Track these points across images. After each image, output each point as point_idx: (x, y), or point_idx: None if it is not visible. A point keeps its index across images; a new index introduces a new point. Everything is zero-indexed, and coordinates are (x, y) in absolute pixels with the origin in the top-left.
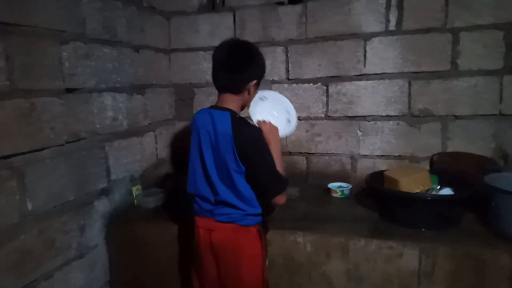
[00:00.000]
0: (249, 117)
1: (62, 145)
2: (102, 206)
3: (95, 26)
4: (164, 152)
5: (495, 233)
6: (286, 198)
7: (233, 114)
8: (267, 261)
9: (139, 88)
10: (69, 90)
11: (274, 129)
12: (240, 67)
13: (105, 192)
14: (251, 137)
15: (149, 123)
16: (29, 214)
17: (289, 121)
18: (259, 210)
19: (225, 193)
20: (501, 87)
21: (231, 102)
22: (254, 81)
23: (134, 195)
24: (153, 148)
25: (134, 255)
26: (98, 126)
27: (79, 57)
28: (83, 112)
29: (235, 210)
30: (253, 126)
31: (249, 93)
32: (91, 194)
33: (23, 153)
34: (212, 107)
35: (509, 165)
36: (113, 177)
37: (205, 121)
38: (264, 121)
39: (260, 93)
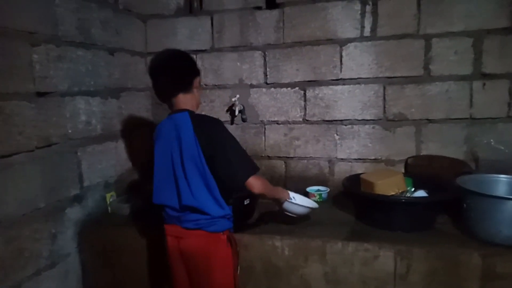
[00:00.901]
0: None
1: (33, 150)
2: (75, 213)
3: (69, 28)
4: (140, 157)
5: (467, 234)
6: (263, 185)
7: (191, 112)
8: (238, 268)
9: (114, 92)
10: (40, 94)
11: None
12: (181, 65)
13: (77, 198)
14: (212, 127)
15: (125, 127)
16: None
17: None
18: (227, 211)
19: (193, 199)
20: (471, 92)
21: (186, 102)
22: (198, 76)
23: (108, 201)
24: (128, 153)
25: (107, 263)
26: (70, 131)
27: (51, 59)
28: (54, 116)
29: (202, 216)
30: (211, 117)
31: (197, 89)
32: (63, 201)
33: None
34: (170, 113)
35: (480, 168)
36: (86, 183)
37: (169, 127)
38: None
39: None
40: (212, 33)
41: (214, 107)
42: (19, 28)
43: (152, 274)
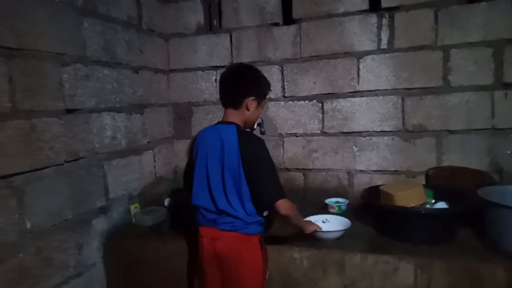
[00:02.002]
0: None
1: (62, 164)
2: (100, 224)
3: (95, 48)
4: (162, 170)
5: (490, 247)
6: (291, 208)
7: (238, 126)
8: (267, 272)
9: (138, 108)
10: (69, 111)
11: (315, 225)
12: (236, 83)
13: (103, 210)
14: (255, 146)
15: (148, 142)
16: (27, 233)
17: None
18: (260, 218)
19: (227, 204)
20: (492, 102)
21: (234, 116)
22: (252, 98)
23: (132, 213)
24: (151, 166)
25: (132, 273)
26: (97, 145)
27: (79, 78)
28: (82, 132)
29: (236, 220)
30: (257, 136)
31: (248, 109)
32: (89, 212)
33: (22, 173)
34: (218, 123)
35: (503, 179)
36: (111, 195)
37: (212, 136)
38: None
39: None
40: (231, 49)
41: None
42: (49, 50)
43: (177, 283)
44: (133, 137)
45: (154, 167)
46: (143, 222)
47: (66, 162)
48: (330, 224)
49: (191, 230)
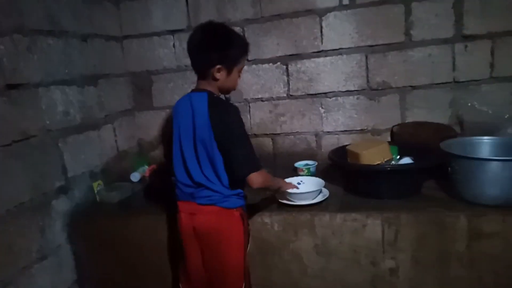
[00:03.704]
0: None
1: (10, 144)
2: (62, 205)
3: (36, 16)
4: (125, 144)
5: (454, 197)
6: (264, 182)
7: (210, 94)
8: (249, 246)
9: (91, 79)
10: (11, 86)
11: (291, 185)
12: (200, 50)
13: (63, 190)
14: (226, 113)
15: (106, 115)
16: None
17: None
18: (239, 191)
19: (203, 177)
20: (453, 55)
21: (206, 84)
22: (218, 66)
23: (96, 190)
24: (112, 140)
25: (101, 251)
26: (48, 122)
27: (20, 50)
28: (30, 109)
29: (214, 193)
30: (229, 103)
31: (215, 79)
32: (47, 193)
33: None
34: (192, 90)
35: (465, 131)
36: (70, 174)
37: (184, 106)
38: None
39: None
40: (188, 11)
41: None
42: None
43: (148, 258)
44: (89, 111)
45: (116, 141)
46: (109, 199)
47: (15, 142)
48: (305, 185)
49: (165, 203)
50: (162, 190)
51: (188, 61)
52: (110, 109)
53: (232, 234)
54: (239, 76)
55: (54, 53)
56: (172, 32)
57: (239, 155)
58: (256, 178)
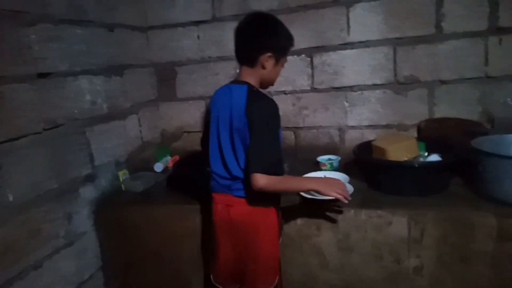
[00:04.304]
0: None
1: (40, 132)
2: (88, 192)
3: (61, 5)
4: (149, 134)
5: (482, 195)
6: (267, 185)
7: (250, 86)
8: (281, 238)
9: (116, 70)
10: (41, 75)
11: (336, 181)
12: (250, 37)
13: (89, 178)
14: (262, 107)
15: (131, 105)
16: (10, 206)
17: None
18: None
19: (238, 170)
20: (486, 49)
21: (249, 75)
22: (268, 54)
23: (121, 179)
24: (137, 131)
25: (125, 239)
26: (76, 111)
27: (48, 39)
28: (58, 98)
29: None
30: (269, 99)
31: (264, 67)
32: (75, 181)
33: None
34: (231, 82)
35: (495, 128)
36: (97, 162)
37: (223, 97)
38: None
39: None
40: (212, 2)
41: (219, 80)
42: (7, 8)
43: (172, 247)
44: (115, 101)
45: (140, 131)
46: (133, 188)
47: (45, 130)
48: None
49: (192, 193)
50: (191, 180)
51: (212, 52)
52: (135, 99)
53: (267, 226)
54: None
55: (81, 42)
56: (196, 23)
57: (253, 151)
58: (260, 180)
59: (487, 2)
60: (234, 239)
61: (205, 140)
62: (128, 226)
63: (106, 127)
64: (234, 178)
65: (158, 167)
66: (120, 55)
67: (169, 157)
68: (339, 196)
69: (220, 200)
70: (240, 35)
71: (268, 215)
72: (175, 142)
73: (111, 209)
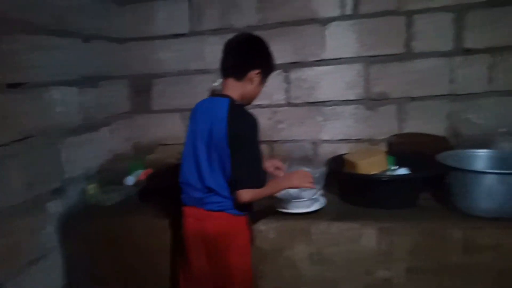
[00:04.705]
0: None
1: (7, 144)
2: (56, 206)
3: (42, 15)
4: (121, 147)
5: (449, 208)
6: (252, 198)
7: (232, 100)
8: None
9: (91, 81)
10: (12, 85)
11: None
12: (244, 52)
13: (58, 192)
14: (244, 123)
15: (105, 117)
16: None
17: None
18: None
19: (214, 182)
20: (452, 68)
21: (232, 88)
22: (257, 71)
23: (91, 193)
24: (109, 143)
25: (95, 254)
26: (47, 123)
27: (23, 49)
28: (30, 108)
29: (225, 199)
30: (250, 114)
31: (251, 82)
32: (42, 195)
33: None
34: (214, 95)
35: (461, 143)
36: (66, 175)
37: (205, 109)
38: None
39: None
40: (191, 16)
41: (197, 93)
42: None
43: (140, 261)
44: (88, 113)
45: (113, 144)
46: (103, 201)
47: (13, 142)
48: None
49: (163, 206)
50: (164, 193)
51: (191, 65)
52: (109, 111)
53: (240, 240)
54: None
55: (58, 53)
56: (175, 36)
57: (238, 168)
58: (245, 195)
59: (454, 24)
60: (207, 253)
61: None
62: (96, 241)
63: (78, 139)
64: (208, 190)
65: (130, 180)
66: (96, 66)
67: (142, 170)
68: (311, 185)
69: (191, 214)
70: (233, 49)
71: (240, 229)
72: (149, 155)
73: (79, 224)
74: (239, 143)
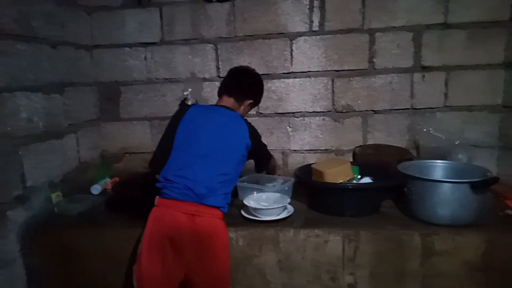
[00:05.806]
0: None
1: None
2: (17, 215)
3: (7, 20)
4: (88, 155)
5: (409, 216)
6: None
7: (241, 116)
8: None
9: (58, 87)
10: None
11: None
12: (249, 85)
13: (20, 200)
14: (255, 131)
15: (70, 124)
16: None
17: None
18: (230, 200)
19: (220, 178)
20: (412, 84)
21: (229, 104)
22: (251, 101)
23: (54, 202)
24: (75, 151)
25: (58, 264)
26: (10, 129)
27: None
28: None
29: (225, 196)
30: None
31: (243, 107)
32: (3, 203)
33: None
34: (215, 105)
35: (420, 154)
36: (29, 183)
37: (209, 113)
38: None
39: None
40: (162, 25)
41: (167, 101)
42: None
43: (106, 271)
44: (53, 119)
45: (78, 151)
46: (67, 211)
47: None
48: (271, 201)
49: (129, 215)
50: (131, 202)
51: (160, 74)
52: (75, 118)
53: (222, 238)
54: None
55: (22, 58)
56: (145, 44)
57: (265, 155)
58: (269, 163)
59: (412, 42)
60: (195, 249)
61: (164, 152)
62: (60, 251)
63: (42, 146)
64: (212, 188)
65: (96, 189)
66: (63, 72)
67: (108, 179)
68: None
69: (183, 209)
70: (243, 79)
71: (223, 228)
72: (116, 164)
73: (42, 234)
74: (257, 140)
